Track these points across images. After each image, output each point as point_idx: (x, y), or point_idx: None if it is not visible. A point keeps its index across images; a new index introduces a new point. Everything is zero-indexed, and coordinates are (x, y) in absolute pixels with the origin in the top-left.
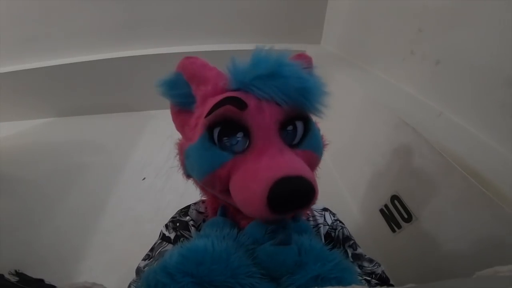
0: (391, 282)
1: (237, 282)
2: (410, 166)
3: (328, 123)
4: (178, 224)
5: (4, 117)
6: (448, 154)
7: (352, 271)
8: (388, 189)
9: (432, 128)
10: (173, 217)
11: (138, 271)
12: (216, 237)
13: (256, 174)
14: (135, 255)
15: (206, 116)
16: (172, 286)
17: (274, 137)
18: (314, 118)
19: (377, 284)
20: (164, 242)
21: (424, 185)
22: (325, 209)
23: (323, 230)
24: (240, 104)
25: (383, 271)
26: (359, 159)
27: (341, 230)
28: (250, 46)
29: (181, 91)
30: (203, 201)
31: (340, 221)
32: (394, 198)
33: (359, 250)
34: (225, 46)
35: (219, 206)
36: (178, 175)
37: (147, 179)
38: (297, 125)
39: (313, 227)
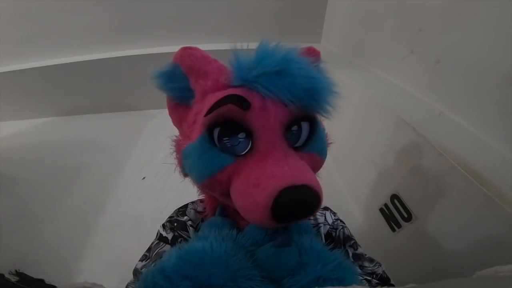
0: (391, 282)
1: (237, 286)
2: (410, 166)
3: (328, 122)
4: (175, 224)
5: (4, 117)
6: (448, 153)
7: (353, 271)
8: (388, 188)
9: (432, 128)
10: (170, 217)
11: (136, 272)
12: (215, 239)
13: (259, 182)
14: (135, 255)
15: (206, 115)
16: None
17: (278, 140)
18: (320, 117)
19: (377, 284)
20: (161, 243)
21: (424, 184)
22: (325, 208)
23: (323, 229)
24: (243, 104)
25: (383, 271)
26: (359, 158)
27: (341, 230)
28: (250, 45)
29: (178, 84)
30: (201, 200)
31: (341, 221)
32: (394, 197)
33: (359, 250)
34: (224, 45)
35: (218, 205)
36: (178, 174)
37: (147, 178)
38: (303, 126)
39: (314, 226)
